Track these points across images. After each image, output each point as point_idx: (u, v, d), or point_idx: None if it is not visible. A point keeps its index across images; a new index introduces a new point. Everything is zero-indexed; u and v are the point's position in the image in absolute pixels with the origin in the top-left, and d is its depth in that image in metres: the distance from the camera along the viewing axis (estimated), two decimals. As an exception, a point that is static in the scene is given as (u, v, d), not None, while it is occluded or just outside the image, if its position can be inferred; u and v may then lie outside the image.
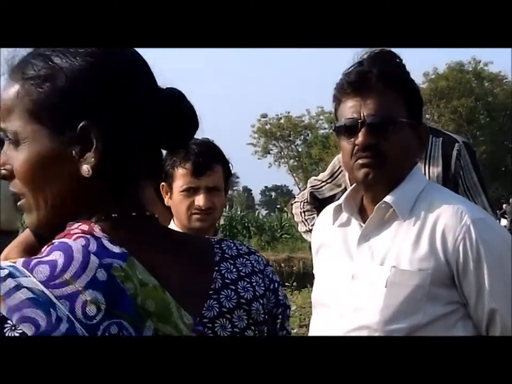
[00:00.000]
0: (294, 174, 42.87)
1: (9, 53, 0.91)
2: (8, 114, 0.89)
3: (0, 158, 0.91)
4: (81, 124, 0.86)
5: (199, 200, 2.05)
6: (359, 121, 1.59)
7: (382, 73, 1.60)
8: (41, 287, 0.80)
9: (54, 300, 0.80)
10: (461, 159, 2.55)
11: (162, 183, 2.14)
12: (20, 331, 0.77)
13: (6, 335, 0.77)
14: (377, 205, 1.62)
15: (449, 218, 1.55)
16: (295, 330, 6.80)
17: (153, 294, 0.87)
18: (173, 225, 2.13)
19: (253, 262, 1.03)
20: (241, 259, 1.01)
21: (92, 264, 0.84)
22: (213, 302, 0.95)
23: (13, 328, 0.77)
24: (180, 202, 2.09)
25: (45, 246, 0.87)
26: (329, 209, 1.79)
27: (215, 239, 1.04)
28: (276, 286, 1.05)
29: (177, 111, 0.94)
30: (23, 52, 0.91)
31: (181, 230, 1.97)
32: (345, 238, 1.69)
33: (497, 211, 19.06)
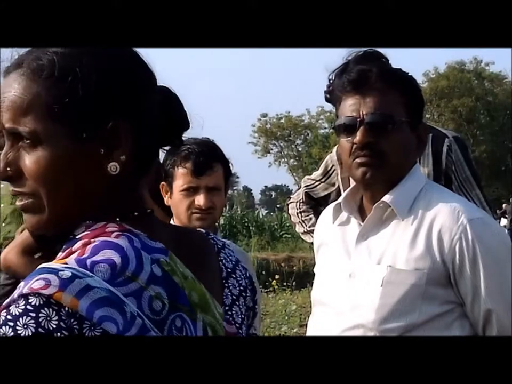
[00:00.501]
0: (294, 174, 42.78)
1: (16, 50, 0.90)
2: (24, 114, 0.85)
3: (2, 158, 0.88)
4: (110, 123, 0.86)
5: (199, 199, 2.05)
6: (358, 119, 1.59)
7: (382, 72, 1.60)
8: (108, 286, 0.79)
9: (123, 298, 0.80)
10: (451, 155, 2.52)
11: (162, 183, 2.14)
12: (100, 330, 0.77)
13: (86, 335, 0.76)
14: (375, 204, 1.62)
15: (446, 217, 1.55)
16: (295, 330, 6.81)
17: (194, 286, 0.89)
18: (172, 225, 2.13)
19: (232, 251, 1.05)
20: (227, 249, 1.04)
21: (146, 260, 0.84)
22: (226, 290, 0.99)
23: (92, 328, 0.76)
24: (180, 201, 2.09)
25: (77, 245, 0.84)
26: (330, 208, 1.79)
27: (204, 231, 1.06)
28: (249, 272, 1.07)
29: (171, 108, 0.95)
30: (35, 50, 0.88)
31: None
32: (344, 237, 1.69)
33: (497, 211, 19.06)
